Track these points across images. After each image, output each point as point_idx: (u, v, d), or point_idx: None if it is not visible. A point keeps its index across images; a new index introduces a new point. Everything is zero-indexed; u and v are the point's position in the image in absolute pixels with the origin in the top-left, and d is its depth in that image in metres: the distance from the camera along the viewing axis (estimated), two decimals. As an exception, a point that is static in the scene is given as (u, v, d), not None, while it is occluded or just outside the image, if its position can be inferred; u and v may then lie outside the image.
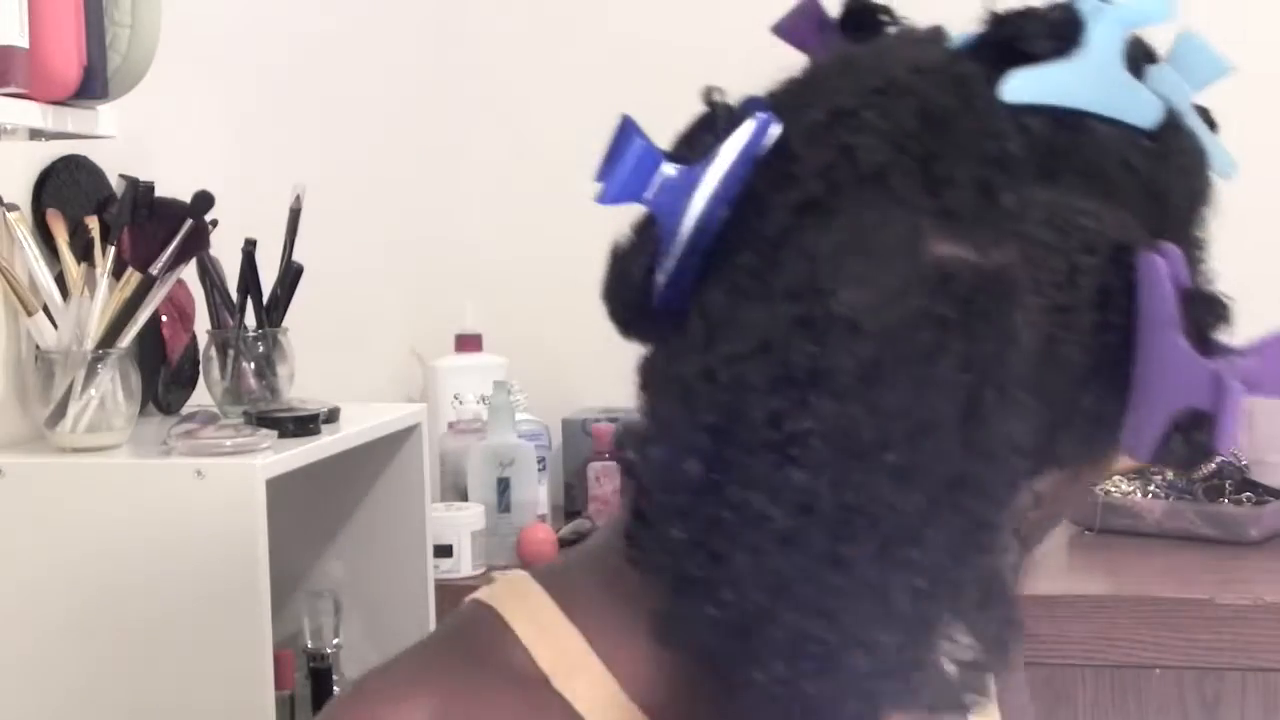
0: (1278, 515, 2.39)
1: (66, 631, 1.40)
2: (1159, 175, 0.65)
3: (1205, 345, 0.62)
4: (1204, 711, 2.10)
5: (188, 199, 1.52)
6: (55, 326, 1.46)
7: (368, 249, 2.37)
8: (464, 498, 2.30)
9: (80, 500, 1.40)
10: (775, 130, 0.64)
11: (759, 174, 0.64)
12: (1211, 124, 0.69)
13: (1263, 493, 2.42)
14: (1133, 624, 2.09)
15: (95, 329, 1.46)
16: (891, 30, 0.71)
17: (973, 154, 0.62)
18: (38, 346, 1.47)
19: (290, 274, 1.73)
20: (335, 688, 1.70)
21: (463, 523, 2.17)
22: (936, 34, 0.69)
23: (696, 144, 0.66)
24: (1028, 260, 0.61)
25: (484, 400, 2.39)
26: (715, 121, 0.66)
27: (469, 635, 0.72)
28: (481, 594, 0.74)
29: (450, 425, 2.42)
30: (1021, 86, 0.63)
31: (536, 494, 2.35)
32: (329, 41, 2.27)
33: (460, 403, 2.44)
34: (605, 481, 2.45)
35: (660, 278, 0.66)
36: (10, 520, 1.40)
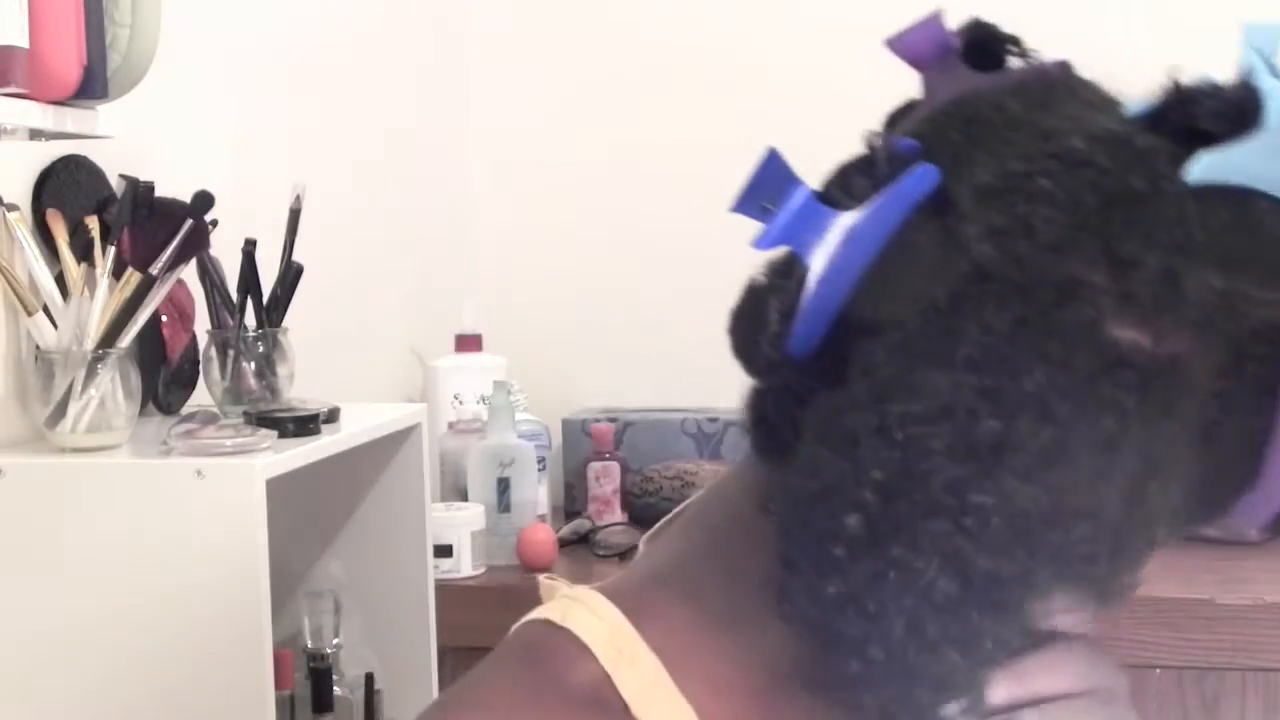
0: (1278, 515, 2.39)
1: (66, 632, 1.40)
2: None
3: None
4: (1204, 711, 2.10)
5: (188, 199, 1.52)
6: (55, 326, 1.46)
7: (368, 249, 2.37)
8: (464, 498, 2.30)
9: (80, 500, 1.40)
10: (936, 182, 0.63)
11: (917, 227, 0.63)
12: None
13: (1263, 493, 2.42)
14: (1133, 624, 2.09)
15: (95, 329, 1.46)
16: (1016, 63, 0.69)
17: (1160, 239, 0.60)
18: (38, 346, 1.47)
19: (290, 274, 1.73)
20: (335, 688, 1.70)
21: (463, 523, 2.18)
22: (1085, 89, 0.67)
23: (851, 188, 0.65)
24: (1199, 348, 0.61)
25: (484, 400, 2.40)
26: (873, 167, 0.65)
27: (546, 659, 0.70)
28: (551, 614, 0.72)
29: (450, 425, 2.42)
30: (1210, 169, 0.61)
31: (536, 494, 2.35)
32: (329, 42, 2.26)
33: (460, 403, 2.44)
34: (605, 481, 2.45)
35: (800, 324, 0.64)
36: (10, 520, 1.40)
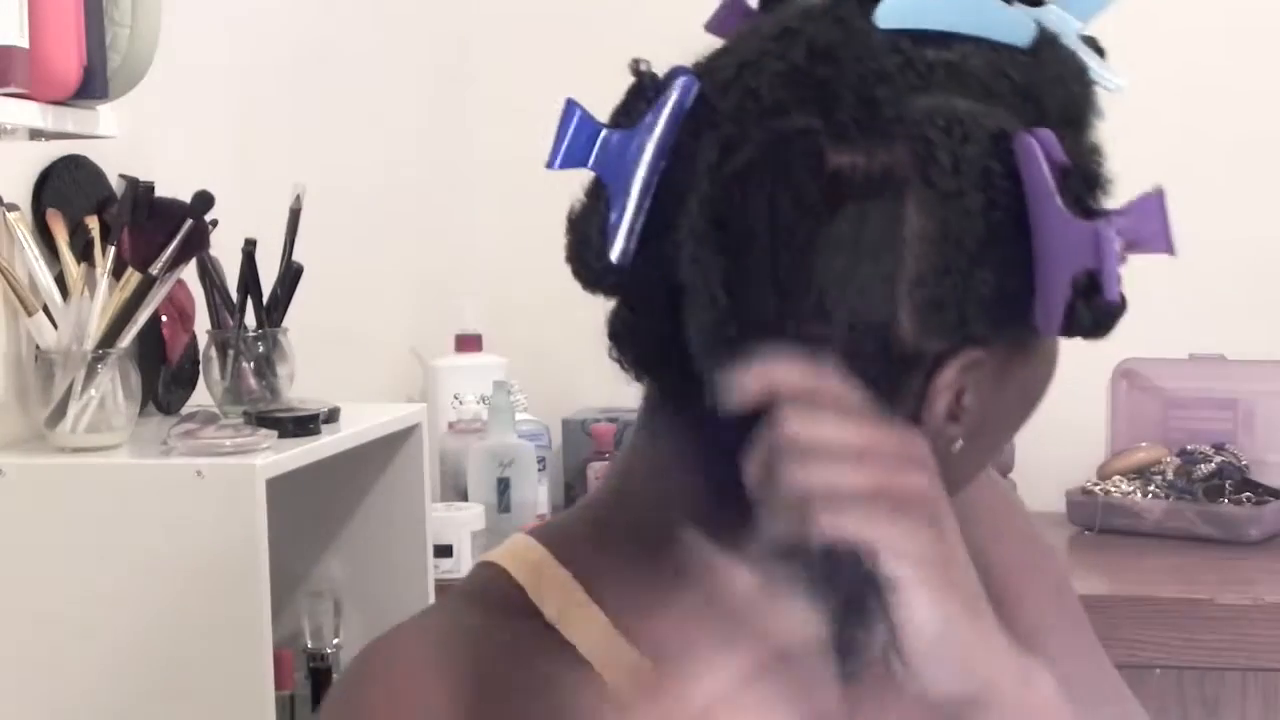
0: (1278, 515, 2.39)
1: (66, 632, 1.40)
2: (1033, 80, 0.71)
3: (1086, 211, 0.68)
4: (1204, 711, 2.10)
5: (188, 199, 1.52)
6: (55, 326, 1.46)
7: (368, 249, 2.37)
8: (464, 498, 2.30)
9: (80, 500, 1.40)
10: (696, 88, 0.72)
11: (686, 128, 0.71)
12: (1100, 50, 0.76)
13: (1263, 493, 2.42)
14: (1133, 624, 2.09)
15: (95, 329, 1.46)
16: None
17: (854, 74, 0.69)
18: (38, 346, 1.47)
19: (290, 274, 1.73)
20: (335, 688, 1.70)
21: (463, 523, 2.17)
22: None
23: (631, 111, 0.74)
24: (916, 157, 0.68)
25: (484, 400, 2.39)
26: (644, 89, 0.74)
27: (478, 587, 0.79)
28: (489, 555, 0.81)
29: (450, 425, 2.42)
30: (890, 13, 0.70)
31: (536, 494, 2.35)
32: (329, 41, 2.26)
33: (460, 403, 2.44)
34: (605, 481, 2.45)
35: (613, 234, 0.72)
36: (10, 520, 1.40)
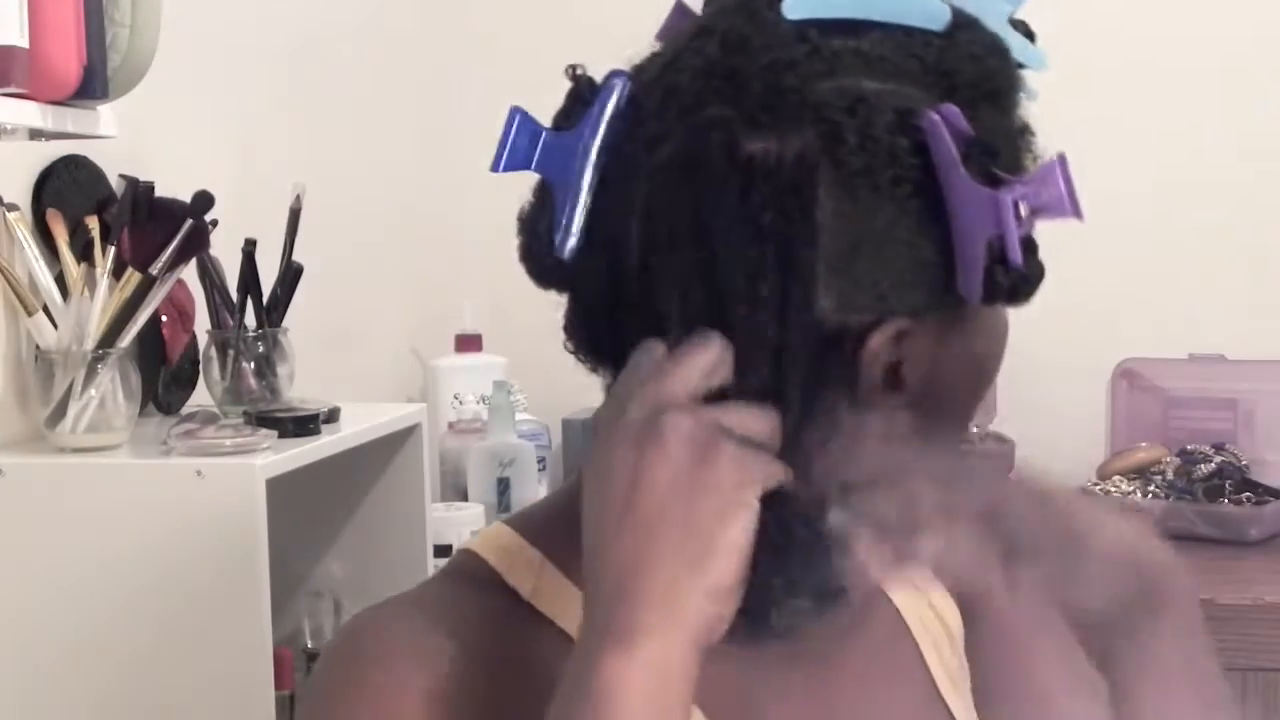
0: (1278, 515, 2.39)
1: (66, 632, 1.40)
2: (945, 58, 0.73)
3: (991, 180, 0.69)
4: (1204, 711, 2.09)
5: (188, 199, 1.52)
6: (55, 326, 1.46)
7: (368, 249, 2.37)
8: (464, 498, 2.30)
9: (80, 500, 1.40)
10: (628, 89, 0.75)
11: (620, 127, 0.74)
12: (1029, 35, 0.78)
13: (1263, 493, 2.42)
14: (1133, 624, 2.09)
15: (95, 329, 1.46)
16: None
17: (761, 62, 0.71)
18: (38, 346, 1.47)
19: (290, 274, 1.73)
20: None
21: (463, 523, 2.17)
22: None
23: (570, 114, 0.77)
24: (824, 138, 0.70)
25: (484, 400, 2.39)
26: (581, 93, 0.77)
27: (452, 570, 0.84)
28: (465, 543, 0.86)
29: (450, 425, 2.42)
30: (796, 5, 0.73)
31: (536, 494, 2.35)
32: (329, 41, 2.27)
33: (460, 403, 2.44)
34: (605, 481, 2.45)
35: (559, 231, 0.75)
36: (10, 520, 1.40)
